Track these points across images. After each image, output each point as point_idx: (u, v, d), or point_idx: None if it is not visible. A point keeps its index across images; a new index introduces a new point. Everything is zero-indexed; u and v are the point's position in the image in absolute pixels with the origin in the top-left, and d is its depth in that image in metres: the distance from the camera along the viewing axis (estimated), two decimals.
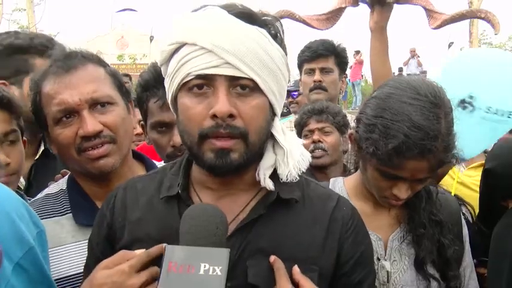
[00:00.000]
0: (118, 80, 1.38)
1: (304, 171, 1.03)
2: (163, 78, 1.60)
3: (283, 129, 1.04)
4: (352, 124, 1.56)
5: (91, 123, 1.25)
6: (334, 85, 2.62)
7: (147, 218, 1.02)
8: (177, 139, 1.59)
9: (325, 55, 2.58)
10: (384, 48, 2.09)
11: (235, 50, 0.90)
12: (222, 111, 0.89)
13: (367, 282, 1.04)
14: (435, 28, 2.13)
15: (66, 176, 1.45)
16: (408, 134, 1.13)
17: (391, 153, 1.15)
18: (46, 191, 1.42)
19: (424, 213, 1.33)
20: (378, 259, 1.31)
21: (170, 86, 0.99)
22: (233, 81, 0.92)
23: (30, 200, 1.43)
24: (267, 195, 1.00)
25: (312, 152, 2.17)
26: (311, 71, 2.61)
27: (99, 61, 1.37)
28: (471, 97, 1.89)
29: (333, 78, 2.61)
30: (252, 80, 0.92)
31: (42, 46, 1.82)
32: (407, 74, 16.02)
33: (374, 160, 1.21)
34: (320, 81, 2.57)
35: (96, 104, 1.28)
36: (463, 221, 1.44)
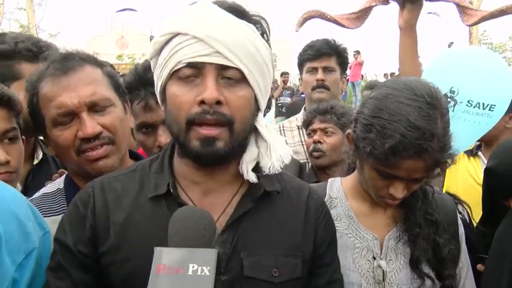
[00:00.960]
0: (115, 80, 1.38)
1: (287, 163, 1.06)
2: (145, 80, 1.63)
3: (266, 124, 1.07)
4: None
5: (90, 125, 1.24)
6: (336, 84, 2.61)
7: (135, 219, 1.02)
8: (162, 139, 1.62)
9: (328, 54, 2.56)
10: (413, 46, 2.08)
11: (225, 40, 0.95)
12: (210, 97, 0.93)
13: (334, 265, 1.14)
14: (470, 25, 2.15)
15: (63, 176, 1.44)
16: (405, 133, 1.15)
17: (388, 153, 1.16)
18: (43, 190, 1.41)
19: (419, 213, 1.35)
20: (374, 258, 1.33)
21: (160, 77, 1.01)
22: (221, 71, 0.96)
23: (27, 199, 1.43)
24: (252, 189, 1.05)
25: (311, 152, 2.18)
26: (313, 70, 2.59)
27: (96, 62, 1.37)
28: (452, 91, 1.92)
29: (335, 77, 2.59)
30: (239, 70, 0.96)
31: (27, 51, 1.75)
32: None
33: (371, 159, 1.23)
34: (323, 80, 2.55)
35: (95, 106, 1.28)
36: (459, 221, 1.45)
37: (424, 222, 1.34)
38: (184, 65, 0.95)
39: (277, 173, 1.03)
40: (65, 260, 1.01)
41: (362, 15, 2.13)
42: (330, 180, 1.50)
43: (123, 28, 26.93)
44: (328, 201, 1.39)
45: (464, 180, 2.09)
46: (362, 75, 18.25)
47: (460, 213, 1.84)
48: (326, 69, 2.57)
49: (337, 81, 2.61)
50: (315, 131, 2.22)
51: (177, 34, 0.97)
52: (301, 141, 2.57)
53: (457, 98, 1.90)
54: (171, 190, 1.01)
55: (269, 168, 1.02)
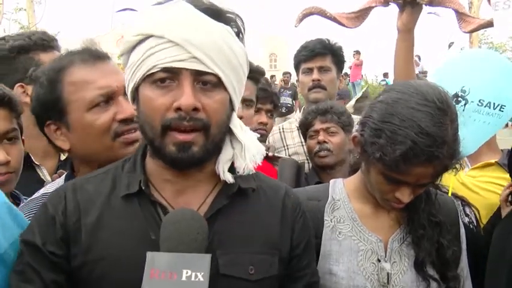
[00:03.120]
0: None
1: (260, 164, 1.06)
2: None
3: (241, 124, 1.07)
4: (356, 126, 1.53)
5: (129, 107, 1.26)
6: (332, 84, 2.60)
7: (106, 218, 1.01)
8: None
9: (322, 54, 2.56)
10: (410, 49, 2.09)
11: (203, 45, 0.93)
12: (187, 104, 0.92)
13: (312, 268, 1.14)
14: (468, 32, 2.18)
15: (63, 176, 1.45)
16: (416, 140, 1.13)
17: (399, 160, 1.15)
18: (43, 190, 1.42)
19: (423, 214, 1.34)
20: (378, 260, 1.31)
21: (132, 77, 0.99)
22: (198, 76, 0.94)
23: (26, 199, 1.44)
24: (226, 186, 1.04)
25: (317, 152, 2.16)
26: (309, 70, 2.59)
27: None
28: (464, 91, 1.92)
29: (331, 76, 2.59)
30: (215, 75, 0.95)
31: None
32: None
33: (380, 165, 1.21)
34: (319, 80, 2.54)
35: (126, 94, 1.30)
36: (461, 221, 1.44)
37: (428, 223, 1.33)
38: (159, 69, 0.94)
39: (251, 173, 1.04)
40: (35, 261, 0.98)
41: (361, 15, 2.13)
42: (331, 181, 1.48)
43: (123, 28, 26.93)
44: (331, 203, 1.39)
45: (447, 180, 2.11)
46: (362, 75, 18.25)
47: (467, 215, 1.85)
48: (321, 69, 2.56)
49: (334, 80, 2.61)
50: (317, 131, 2.19)
51: (151, 36, 0.95)
52: (301, 142, 2.55)
53: (468, 98, 1.90)
54: (143, 188, 1.01)
55: (243, 169, 1.03)
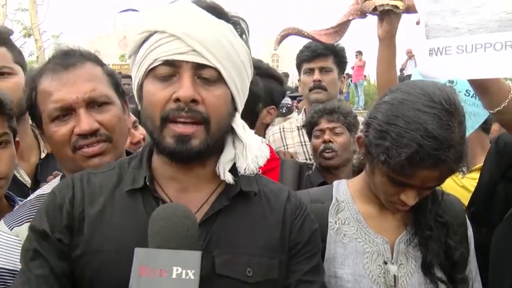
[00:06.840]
0: (115, 79, 1.38)
1: (262, 165, 1.06)
2: None
3: (244, 125, 1.08)
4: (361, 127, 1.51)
5: (87, 121, 1.24)
6: (333, 84, 2.60)
7: (110, 212, 1.02)
8: None
9: (324, 54, 2.56)
10: (392, 56, 2.07)
11: (203, 38, 0.95)
12: (185, 95, 0.93)
13: (310, 265, 1.10)
14: None
15: (58, 177, 1.43)
16: (422, 143, 1.10)
17: (404, 163, 1.13)
18: (38, 192, 1.40)
19: (430, 214, 1.31)
20: (385, 263, 1.29)
21: (137, 74, 1.01)
22: (198, 70, 0.96)
23: (21, 200, 1.43)
24: (229, 187, 1.05)
25: (322, 152, 2.16)
26: (310, 71, 2.59)
27: (96, 60, 1.37)
28: (451, 82, 1.92)
29: (332, 77, 2.59)
30: (216, 70, 0.97)
31: None
32: (407, 76, 15.97)
33: (384, 167, 1.19)
34: (319, 80, 2.55)
35: (93, 103, 1.27)
36: (468, 222, 1.41)
37: (434, 224, 1.31)
38: (161, 62, 0.96)
39: (253, 174, 1.05)
40: (42, 247, 0.99)
41: (340, 29, 2.12)
42: (335, 183, 1.46)
43: (125, 29, 27.00)
44: (335, 205, 1.37)
45: (447, 184, 2.10)
46: (365, 76, 18.24)
47: None
48: (323, 70, 2.57)
49: (335, 81, 2.61)
50: (323, 131, 2.18)
51: (155, 32, 0.97)
52: (301, 142, 2.57)
53: (455, 88, 1.90)
54: (148, 183, 1.01)
55: (244, 169, 1.03)
